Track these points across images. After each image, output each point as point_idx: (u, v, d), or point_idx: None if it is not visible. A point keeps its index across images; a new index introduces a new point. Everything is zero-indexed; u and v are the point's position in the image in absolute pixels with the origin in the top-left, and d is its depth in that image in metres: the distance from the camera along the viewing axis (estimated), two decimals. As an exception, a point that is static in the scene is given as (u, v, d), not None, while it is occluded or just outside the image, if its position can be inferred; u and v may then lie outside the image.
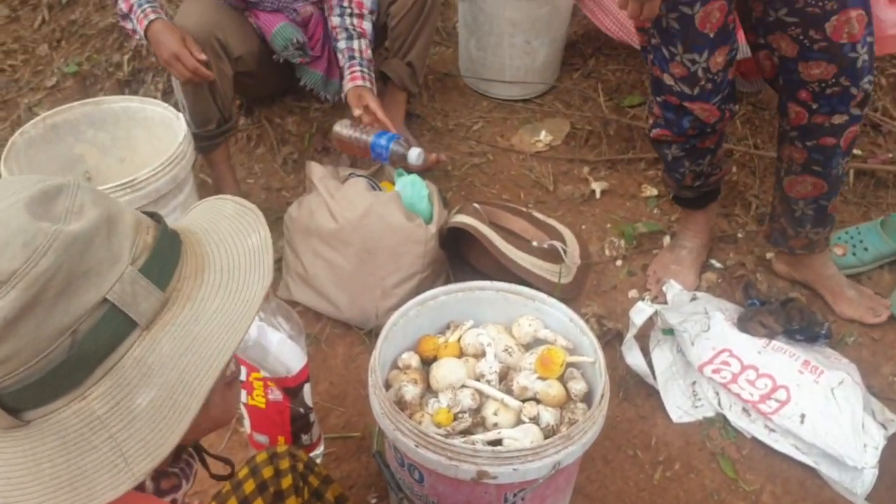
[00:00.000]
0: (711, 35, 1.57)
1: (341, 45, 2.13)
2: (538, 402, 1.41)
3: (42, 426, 0.69)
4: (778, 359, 1.71)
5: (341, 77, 2.15)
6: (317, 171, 2.00)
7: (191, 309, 0.74)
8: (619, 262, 2.10)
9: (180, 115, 1.93)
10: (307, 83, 2.23)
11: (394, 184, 2.03)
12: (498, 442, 1.34)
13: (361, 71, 2.10)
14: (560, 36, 2.64)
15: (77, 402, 0.69)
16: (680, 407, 1.74)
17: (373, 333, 1.87)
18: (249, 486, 1.14)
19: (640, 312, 1.71)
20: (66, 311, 0.67)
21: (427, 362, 1.51)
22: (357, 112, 2.04)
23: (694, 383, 1.76)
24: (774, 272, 2.03)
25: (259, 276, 0.78)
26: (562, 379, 1.43)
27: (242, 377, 1.45)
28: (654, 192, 2.31)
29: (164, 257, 0.74)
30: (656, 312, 1.74)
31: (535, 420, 1.38)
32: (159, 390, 0.70)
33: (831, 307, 1.94)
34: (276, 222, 2.21)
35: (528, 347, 1.53)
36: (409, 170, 2.04)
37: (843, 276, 1.96)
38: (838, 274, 1.96)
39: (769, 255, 2.07)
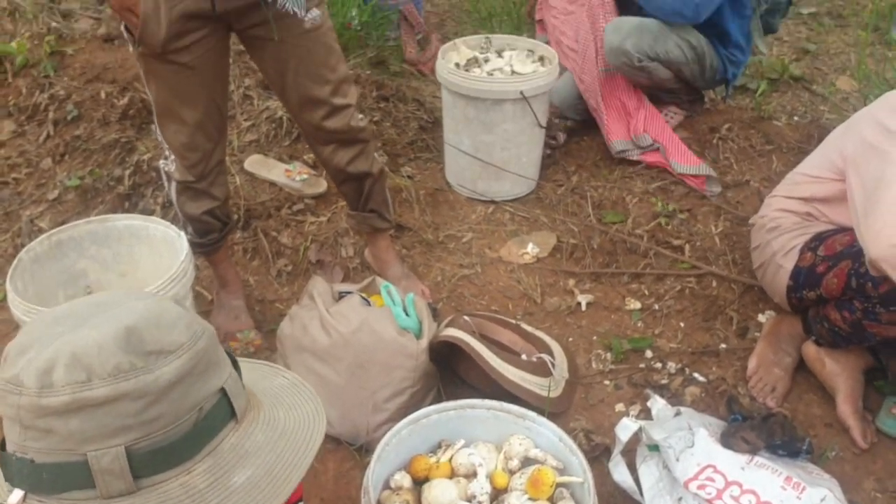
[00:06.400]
0: None
1: None
2: (528, 522, 1.44)
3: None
4: (761, 475, 1.74)
5: None
6: (319, 286, 2.07)
7: (264, 414, 0.91)
8: (606, 379, 2.16)
9: (182, 233, 2.01)
10: None
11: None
12: (489, 564, 1.37)
13: None
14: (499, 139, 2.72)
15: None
16: (668, 523, 1.76)
17: (363, 449, 1.90)
18: None
19: (626, 429, 1.76)
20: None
21: (419, 482, 1.54)
22: None
23: (680, 499, 1.78)
24: (804, 354, 2.10)
25: (307, 398, 0.98)
26: (552, 499, 1.46)
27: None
28: (638, 305, 2.39)
29: (239, 371, 0.91)
30: (641, 428, 1.79)
31: (525, 541, 1.41)
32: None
33: (836, 402, 1.99)
34: (268, 334, 2.27)
35: (519, 466, 1.57)
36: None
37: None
38: (863, 382, 2.03)
39: (762, 317, 2.22)
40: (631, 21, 2.71)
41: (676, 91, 2.88)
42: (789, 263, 2.06)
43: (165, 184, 2.11)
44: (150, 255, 2.10)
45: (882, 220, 1.67)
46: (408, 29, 3.89)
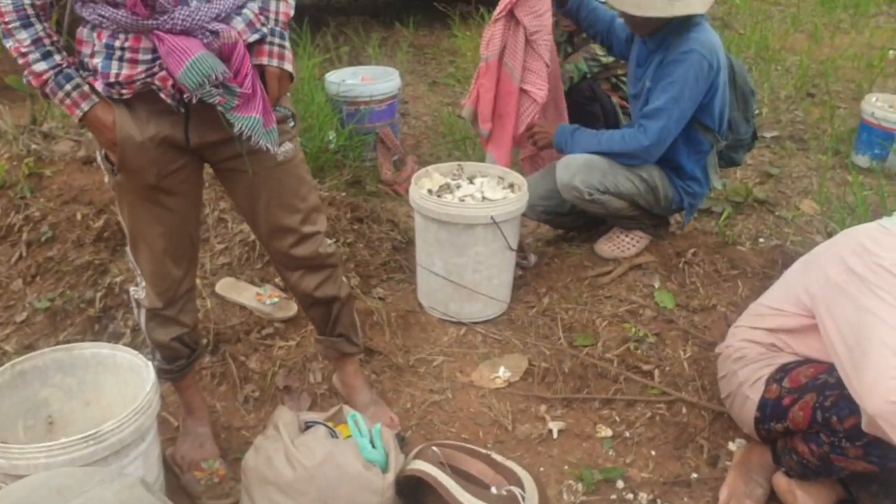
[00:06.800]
0: None
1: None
2: None
3: None
4: None
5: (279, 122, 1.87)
6: (284, 416, 2.05)
7: None
8: (576, 508, 2.12)
9: (149, 363, 1.99)
10: (243, 129, 1.75)
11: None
12: None
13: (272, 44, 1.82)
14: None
15: None
16: None
17: (327, 589, 1.83)
18: None
19: (596, 569, 1.72)
20: None
21: None
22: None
23: None
24: (774, 485, 2.08)
25: None
26: None
27: None
28: (609, 432, 2.37)
29: None
30: (612, 568, 1.75)
31: None
32: None
33: None
34: (234, 463, 2.22)
35: None
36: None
37: None
38: None
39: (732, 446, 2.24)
40: (580, 158, 2.82)
41: (637, 217, 2.96)
42: (756, 395, 2.07)
43: (135, 310, 2.11)
44: (116, 383, 2.08)
45: (874, 374, 1.68)
46: (384, 151, 4.00)
